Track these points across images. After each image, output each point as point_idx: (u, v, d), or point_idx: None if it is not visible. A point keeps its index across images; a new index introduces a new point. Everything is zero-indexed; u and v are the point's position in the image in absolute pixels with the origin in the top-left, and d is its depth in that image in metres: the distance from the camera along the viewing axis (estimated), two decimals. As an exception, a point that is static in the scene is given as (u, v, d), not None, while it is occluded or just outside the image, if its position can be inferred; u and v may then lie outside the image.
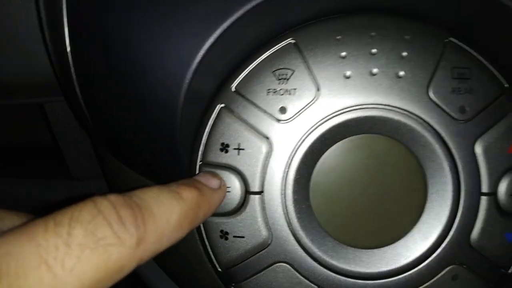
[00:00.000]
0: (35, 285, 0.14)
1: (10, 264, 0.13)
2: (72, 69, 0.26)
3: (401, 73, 0.24)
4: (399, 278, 0.25)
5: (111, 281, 0.16)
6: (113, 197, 0.17)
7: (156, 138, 0.25)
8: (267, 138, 0.25)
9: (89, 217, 0.15)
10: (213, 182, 0.23)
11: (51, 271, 0.14)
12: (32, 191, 0.46)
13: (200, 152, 0.25)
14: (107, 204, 0.16)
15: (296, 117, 0.24)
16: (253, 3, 0.22)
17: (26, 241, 0.14)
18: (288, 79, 0.24)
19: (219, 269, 0.26)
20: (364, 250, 0.25)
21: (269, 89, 0.24)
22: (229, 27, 0.23)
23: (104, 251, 0.15)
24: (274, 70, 0.25)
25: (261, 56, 0.25)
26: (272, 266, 0.25)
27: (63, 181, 0.45)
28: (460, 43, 0.25)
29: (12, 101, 0.36)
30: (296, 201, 0.25)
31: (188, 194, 0.20)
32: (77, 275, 0.14)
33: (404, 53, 0.24)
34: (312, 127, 0.24)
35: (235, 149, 0.25)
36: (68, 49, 0.25)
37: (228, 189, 0.25)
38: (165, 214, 0.18)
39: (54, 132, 0.42)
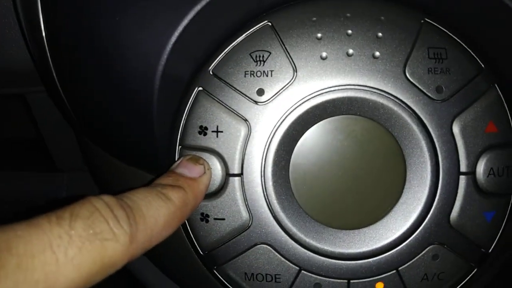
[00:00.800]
0: (40, 267, 0.15)
1: (19, 245, 0.15)
2: (49, 55, 0.25)
3: (377, 53, 0.24)
4: (380, 258, 0.25)
5: (103, 276, 0.17)
6: (106, 198, 0.18)
7: (133, 122, 0.25)
8: (246, 120, 0.25)
9: (87, 213, 0.17)
10: (196, 170, 0.23)
11: (54, 256, 0.15)
12: (17, 184, 0.46)
13: (179, 136, 0.25)
14: (102, 203, 0.18)
15: (274, 99, 0.24)
16: (227, -16, 0.22)
17: (34, 229, 0.15)
18: (265, 61, 0.24)
19: (201, 252, 0.26)
20: (344, 230, 0.25)
21: (246, 71, 0.24)
22: (204, 8, 0.23)
23: (101, 246, 0.17)
24: (251, 52, 0.25)
25: (238, 39, 0.25)
26: (253, 248, 0.25)
27: (47, 173, 0.45)
28: (435, 24, 0.25)
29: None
30: (275, 183, 0.25)
31: (174, 195, 0.21)
32: (77, 264, 0.16)
33: (380, 34, 0.24)
34: (290, 108, 0.24)
35: (213, 131, 0.25)
36: (44, 33, 0.25)
37: None
38: (154, 216, 0.19)
39: (37, 124, 0.42)
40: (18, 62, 0.31)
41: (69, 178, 0.44)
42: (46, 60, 0.26)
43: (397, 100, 0.24)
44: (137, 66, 0.23)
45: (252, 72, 0.24)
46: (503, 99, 0.26)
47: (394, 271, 0.25)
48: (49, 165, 0.44)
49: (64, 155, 0.42)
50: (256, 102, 0.24)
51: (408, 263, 0.25)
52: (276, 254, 0.25)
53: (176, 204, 0.20)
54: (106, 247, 0.17)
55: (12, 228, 0.15)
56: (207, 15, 0.23)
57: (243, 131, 0.24)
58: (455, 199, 0.25)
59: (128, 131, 0.26)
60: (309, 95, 0.24)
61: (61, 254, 0.15)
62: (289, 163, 0.25)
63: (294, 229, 0.25)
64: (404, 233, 0.25)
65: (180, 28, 0.22)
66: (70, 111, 0.28)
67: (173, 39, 0.23)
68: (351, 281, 0.25)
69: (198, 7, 0.23)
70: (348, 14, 0.24)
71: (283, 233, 0.25)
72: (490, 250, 0.26)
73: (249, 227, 0.25)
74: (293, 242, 0.25)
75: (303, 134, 0.25)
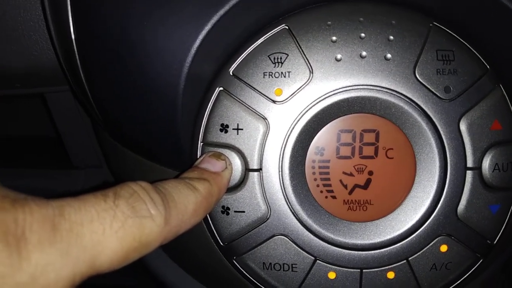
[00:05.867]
0: (88, 234, 0.16)
1: (71, 212, 0.16)
2: (77, 56, 0.27)
3: (389, 55, 0.26)
4: (391, 249, 0.27)
5: (139, 254, 0.18)
6: (143, 183, 0.20)
7: (159, 121, 0.26)
8: (264, 118, 0.26)
9: (127, 194, 0.18)
10: (219, 165, 0.25)
11: (101, 227, 0.17)
12: (34, 181, 0.48)
13: (201, 133, 0.26)
14: (140, 187, 0.19)
15: (291, 98, 0.26)
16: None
17: (82, 202, 0.17)
18: (282, 63, 0.26)
19: (221, 243, 0.27)
20: (357, 223, 0.27)
21: (265, 72, 0.26)
22: (225, 14, 0.24)
23: (140, 223, 0.18)
24: (269, 54, 0.26)
25: (257, 42, 0.26)
26: (271, 239, 0.27)
27: (64, 171, 0.46)
28: (443, 27, 0.26)
29: (15, 91, 0.37)
30: (292, 177, 0.26)
31: (201, 186, 0.22)
32: (120, 237, 0.17)
33: (391, 37, 0.26)
34: (306, 107, 0.26)
35: (234, 129, 0.26)
36: (73, 36, 0.26)
37: None
38: (184, 202, 0.21)
39: (55, 122, 0.43)
40: (43, 63, 0.32)
41: (85, 175, 0.45)
42: (74, 61, 0.27)
43: (407, 100, 0.26)
44: (163, 68, 0.25)
45: (270, 73, 0.26)
46: (507, 98, 0.27)
47: (405, 261, 0.27)
48: (66, 163, 0.45)
49: (80, 153, 0.44)
50: (274, 102, 0.26)
51: (418, 253, 0.27)
52: (293, 244, 0.27)
53: (202, 194, 0.22)
54: (144, 225, 0.18)
55: (64, 199, 0.17)
56: (228, 20, 0.25)
57: (262, 128, 0.26)
58: (462, 193, 0.26)
59: (153, 129, 0.27)
60: (325, 94, 0.26)
61: (107, 225, 0.17)
62: (305, 158, 0.27)
63: (310, 221, 0.26)
64: (414, 225, 0.27)
65: (203, 33, 0.24)
66: (95, 110, 0.29)
67: (197, 43, 0.24)
68: (364, 270, 0.27)
69: (220, 13, 0.24)
70: (361, 18, 0.26)
71: (299, 224, 0.26)
72: (495, 242, 0.27)
73: (268, 219, 0.26)
74: (309, 233, 0.26)
75: (318, 131, 0.27)
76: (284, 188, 0.26)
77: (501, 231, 0.27)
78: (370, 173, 0.27)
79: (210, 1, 0.24)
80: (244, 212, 0.26)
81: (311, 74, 0.26)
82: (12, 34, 0.32)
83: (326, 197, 0.27)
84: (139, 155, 0.30)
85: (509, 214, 0.27)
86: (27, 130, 0.54)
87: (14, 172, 0.50)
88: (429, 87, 0.26)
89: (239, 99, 0.26)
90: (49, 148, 0.52)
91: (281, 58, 0.26)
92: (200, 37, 0.24)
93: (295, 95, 0.26)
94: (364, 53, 0.26)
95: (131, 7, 0.24)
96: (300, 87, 0.26)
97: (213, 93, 0.26)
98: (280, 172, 0.26)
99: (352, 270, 0.27)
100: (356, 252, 0.27)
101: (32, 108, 0.51)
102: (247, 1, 0.24)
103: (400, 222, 0.27)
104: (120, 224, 0.17)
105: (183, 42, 0.24)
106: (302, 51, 0.26)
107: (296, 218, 0.26)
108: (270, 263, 0.27)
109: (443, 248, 0.27)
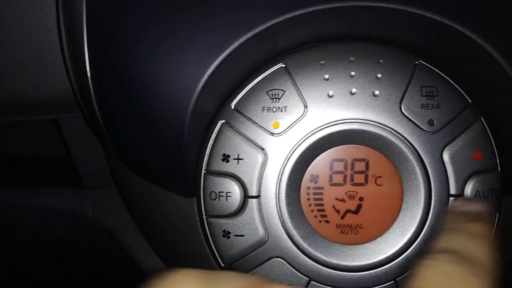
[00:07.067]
0: None
1: None
2: (92, 92, 0.29)
3: (377, 92, 0.28)
4: (380, 270, 0.29)
5: None
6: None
7: (166, 152, 0.29)
8: (263, 149, 0.28)
9: None
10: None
11: None
12: (44, 200, 0.49)
13: (204, 162, 0.29)
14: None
15: (287, 131, 0.28)
16: (248, 35, 0.26)
17: None
18: (280, 98, 0.28)
19: (222, 265, 0.29)
20: (349, 246, 0.29)
21: (263, 107, 0.28)
22: (228, 55, 0.27)
23: None
24: (268, 90, 0.28)
25: (257, 79, 0.29)
26: (269, 261, 0.29)
27: (74, 190, 0.48)
28: (428, 65, 0.29)
29: (30, 117, 0.40)
30: (288, 203, 0.28)
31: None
32: None
33: (379, 75, 0.28)
34: (301, 139, 0.28)
35: (235, 159, 0.28)
36: (89, 74, 0.29)
37: (229, 194, 0.28)
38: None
39: (67, 143, 0.45)
40: (59, 94, 0.35)
41: (94, 195, 0.47)
42: (89, 96, 0.30)
43: (394, 132, 0.28)
44: (171, 104, 0.27)
45: (268, 108, 0.28)
46: (488, 129, 0.29)
47: (392, 281, 0.29)
48: (76, 182, 0.48)
49: (91, 173, 0.46)
50: (272, 134, 0.28)
51: (405, 274, 0.29)
52: (289, 266, 0.29)
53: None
54: None
55: None
56: (231, 60, 0.27)
57: (260, 158, 0.28)
58: None
59: (161, 158, 0.29)
60: (318, 127, 0.28)
61: None
62: (301, 186, 0.29)
63: (304, 244, 0.28)
64: (401, 248, 0.28)
65: (208, 73, 0.26)
66: (107, 138, 0.32)
67: (202, 82, 0.27)
68: (355, 290, 0.29)
69: (224, 55, 0.26)
70: (352, 58, 0.28)
71: (295, 248, 0.28)
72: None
73: (265, 242, 0.28)
74: (303, 256, 0.28)
75: (313, 160, 0.29)
76: (281, 214, 0.28)
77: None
78: (361, 199, 0.29)
79: (213, 45, 0.26)
80: (243, 236, 0.28)
81: (306, 109, 0.28)
82: (30, 67, 0.35)
83: (320, 221, 0.29)
84: (147, 180, 0.32)
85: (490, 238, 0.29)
86: (36, 149, 0.56)
87: (26, 190, 0.52)
88: (414, 120, 0.28)
89: (240, 131, 0.28)
90: (58, 166, 0.54)
91: (278, 94, 0.28)
92: (205, 77, 0.27)
93: (291, 128, 0.28)
94: (354, 90, 0.28)
95: (143, 50, 0.27)
96: (296, 121, 0.28)
97: (216, 125, 0.29)
98: (277, 199, 0.28)
99: (344, 290, 0.29)
100: (347, 273, 0.29)
101: (42, 128, 0.54)
102: (247, 44, 0.27)
103: (389, 245, 0.29)
104: None
105: (189, 82, 0.27)
106: (298, 88, 0.28)
107: (292, 242, 0.28)
108: (268, 283, 0.29)
109: (429, 269, 0.29)
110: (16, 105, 0.37)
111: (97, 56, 0.28)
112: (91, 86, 0.29)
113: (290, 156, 0.28)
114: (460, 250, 0.19)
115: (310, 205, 0.29)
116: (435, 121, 0.28)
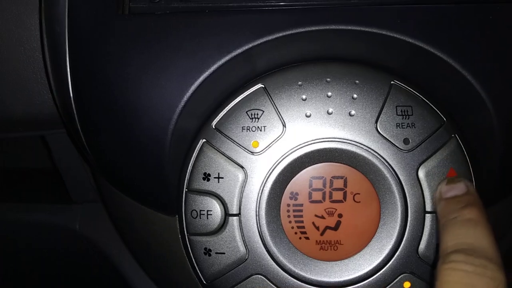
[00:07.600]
0: None
1: None
2: (75, 111, 0.30)
3: (353, 112, 0.29)
4: (359, 286, 0.29)
5: None
6: None
7: (148, 170, 0.29)
8: (243, 167, 0.29)
9: None
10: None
11: None
12: (32, 214, 0.50)
13: (186, 181, 0.29)
14: None
15: (267, 149, 0.29)
16: (226, 58, 0.27)
17: None
18: (259, 118, 0.29)
19: (204, 282, 0.30)
20: (328, 262, 0.29)
21: (243, 127, 0.29)
22: (207, 77, 0.27)
23: None
24: (247, 110, 0.29)
25: (236, 99, 0.29)
26: (249, 278, 0.29)
27: (63, 205, 0.49)
28: (402, 85, 0.30)
29: (16, 134, 0.40)
30: (268, 221, 0.29)
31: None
32: None
33: (355, 95, 0.29)
34: (280, 157, 0.29)
35: (215, 177, 0.29)
36: (71, 94, 0.29)
37: (210, 212, 0.29)
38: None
39: (55, 159, 0.46)
40: (44, 112, 0.36)
41: (83, 210, 0.48)
42: (72, 117, 0.30)
43: (370, 151, 0.29)
44: (153, 124, 0.28)
45: (248, 127, 0.29)
46: (462, 147, 0.30)
47: None
48: (64, 197, 0.48)
49: (79, 188, 0.46)
50: (251, 153, 0.29)
51: None
52: (269, 283, 0.29)
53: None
54: None
55: None
56: (211, 81, 0.28)
57: (240, 177, 0.29)
58: (422, 234, 0.29)
59: (143, 176, 0.30)
60: (296, 146, 0.29)
61: None
62: (280, 203, 0.29)
63: (284, 261, 0.29)
64: (379, 264, 0.29)
65: (187, 95, 0.27)
66: (92, 158, 0.32)
67: (183, 102, 0.27)
68: (334, 305, 0.29)
69: (203, 76, 0.27)
70: (328, 79, 0.29)
71: (275, 265, 0.29)
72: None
73: (246, 260, 0.29)
74: (283, 272, 0.29)
75: (292, 178, 0.29)
76: (261, 231, 0.29)
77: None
78: (340, 215, 0.30)
79: (193, 67, 0.27)
80: (224, 253, 0.29)
81: (284, 129, 0.29)
82: (16, 85, 0.35)
83: (300, 238, 0.30)
84: (130, 198, 0.33)
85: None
86: (26, 162, 0.56)
87: (16, 205, 0.52)
88: (389, 139, 0.29)
89: (220, 150, 0.29)
90: (47, 181, 0.54)
91: (257, 114, 0.29)
92: (185, 98, 0.27)
93: (270, 147, 0.29)
94: (331, 110, 0.29)
95: (125, 73, 0.28)
96: (275, 140, 0.29)
97: (197, 144, 0.29)
98: (257, 217, 0.29)
99: (323, 305, 0.29)
100: (326, 289, 0.29)
101: (32, 142, 0.54)
102: (226, 66, 0.27)
103: (367, 261, 0.29)
104: None
105: (170, 102, 0.27)
106: (276, 108, 0.29)
107: (272, 259, 0.29)
108: (249, 300, 0.29)
109: (406, 284, 0.29)
110: (1, 121, 0.37)
111: (79, 77, 0.29)
112: (73, 106, 0.30)
113: (270, 174, 0.29)
114: (469, 243, 0.21)
115: (290, 222, 0.30)
116: (410, 140, 0.29)
